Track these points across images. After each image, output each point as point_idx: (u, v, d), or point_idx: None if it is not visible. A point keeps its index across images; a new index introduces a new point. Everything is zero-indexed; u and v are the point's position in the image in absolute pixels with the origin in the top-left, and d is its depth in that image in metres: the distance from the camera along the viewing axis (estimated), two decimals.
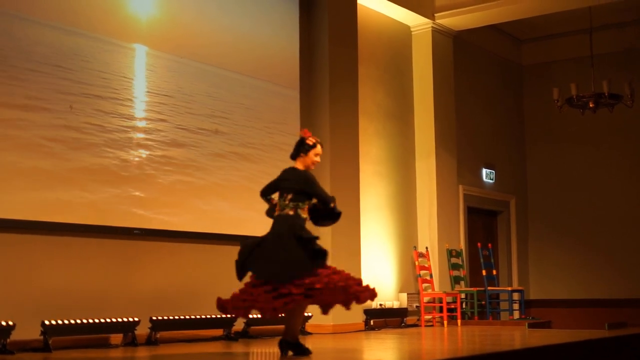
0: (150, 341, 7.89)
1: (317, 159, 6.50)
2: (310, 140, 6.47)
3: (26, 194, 7.31)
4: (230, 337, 8.53)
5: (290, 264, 6.06)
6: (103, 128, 7.98)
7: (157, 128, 8.51)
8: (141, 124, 8.36)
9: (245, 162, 9.43)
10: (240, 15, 9.66)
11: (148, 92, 8.51)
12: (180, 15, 8.97)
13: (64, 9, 7.86)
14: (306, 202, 6.31)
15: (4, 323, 6.75)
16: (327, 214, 6.45)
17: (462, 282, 12.25)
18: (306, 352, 6.19)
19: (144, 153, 8.33)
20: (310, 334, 9.17)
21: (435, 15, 12.62)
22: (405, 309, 11.42)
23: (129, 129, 8.22)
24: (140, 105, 8.40)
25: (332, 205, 6.39)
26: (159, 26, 8.73)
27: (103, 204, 7.90)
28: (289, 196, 6.31)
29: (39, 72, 7.55)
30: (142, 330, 7.87)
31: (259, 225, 9.37)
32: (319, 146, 6.50)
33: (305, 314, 8.53)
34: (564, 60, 14.80)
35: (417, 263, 11.69)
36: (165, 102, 8.66)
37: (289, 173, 6.46)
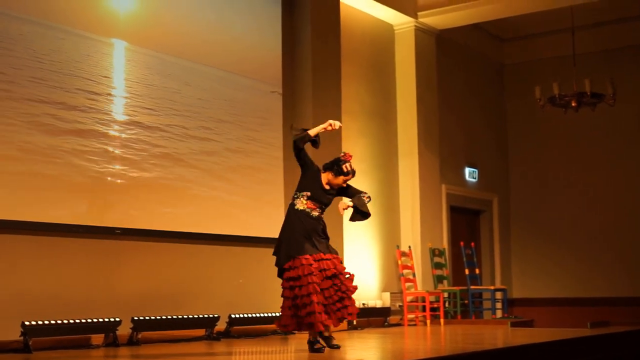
0: (132, 341, 7.83)
1: (343, 184, 6.85)
2: (346, 167, 6.76)
3: (6, 194, 7.23)
4: (213, 337, 8.48)
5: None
6: (82, 124, 7.90)
7: (137, 124, 8.43)
8: (120, 119, 8.28)
9: (227, 160, 9.37)
10: (222, 11, 9.61)
11: (127, 87, 8.43)
12: (160, 11, 8.90)
13: (41, 4, 7.78)
14: (300, 194, 6.71)
15: None
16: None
17: (445, 281, 12.25)
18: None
19: (123, 150, 8.26)
20: (292, 333, 9.13)
21: (418, 14, 12.62)
22: (388, 308, 11.41)
23: (108, 125, 8.15)
24: (119, 100, 8.32)
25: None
26: (138, 21, 8.66)
27: (84, 203, 7.84)
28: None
29: (16, 67, 7.47)
30: (124, 331, 7.81)
31: (242, 224, 9.38)
32: (350, 175, 6.83)
33: None
34: (546, 59, 14.82)
35: (400, 262, 11.68)
36: (145, 98, 8.58)
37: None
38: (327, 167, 6.81)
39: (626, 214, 14.15)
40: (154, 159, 8.53)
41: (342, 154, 6.84)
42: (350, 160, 6.80)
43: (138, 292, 8.25)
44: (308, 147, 6.79)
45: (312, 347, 6.60)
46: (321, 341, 6.63)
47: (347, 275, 6.70)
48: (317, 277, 6.50)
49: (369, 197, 6.90)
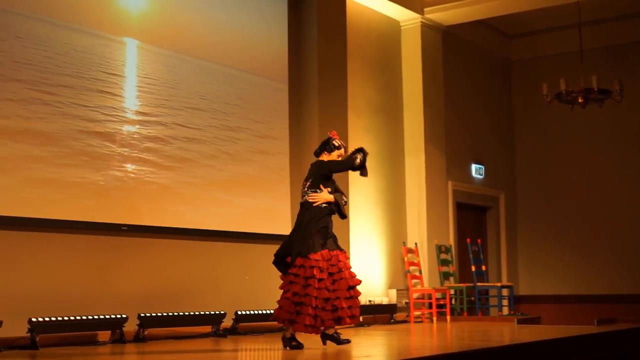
0: (139, 338, 7.84)
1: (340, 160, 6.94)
2: (336, 142, 6.91)
3: (12, 190, 7.25)
4: (219, 334, 8.49)
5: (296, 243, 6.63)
6: (91, 121, 7.92)
7: (146, 121, 8.45)
8: (130, 117, 8.30)
9: (233, 157, 9.38)
10: (230, 8, 9.61)
11: (138, 85, 8.45)
12: (170, 9, 8.92)
13: (54, 3, 7.80)
14: (321, 187, 6.73)
15: None
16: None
17: (452, 278, 12.24)
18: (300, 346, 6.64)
19: (131, 147, 8.27)
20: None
21: (425, 10, 12.61)
22: (395, 305, 11.40)
23: (117, 122, 8.16)
24: (130, 98, 8.34)
25: (357, 161, 6.80)
26: (150, 20, 8.68)
27: (90, 200, 7.84)
28: (307, 183, 6.77)
29: (29, 66, 7.48)
30: (130, 327, 7.82)
31: (248, 220, 9.38)
32: (343, 149, 6.94)
33: None
34: (553, 56, 14.79)
35: (406, 259, 11.67)
36: (155, 96, 8.61)
37: (312, 165, 6.93)
38: (320, 151, 6.93)
39: (633, 212, 14.12)
40: (161, 156, 8.54)
41: (329, 132, 7.02)
42: (337, 137, 6.95)
43: (144, 289, 8.26)
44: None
45: (290, 343, 6.64)
46: (297, 338, 6.68)
47: (353, 276, 6.69)
48: (323, 276, 6.50)
49: (345, 200, 6.88)
